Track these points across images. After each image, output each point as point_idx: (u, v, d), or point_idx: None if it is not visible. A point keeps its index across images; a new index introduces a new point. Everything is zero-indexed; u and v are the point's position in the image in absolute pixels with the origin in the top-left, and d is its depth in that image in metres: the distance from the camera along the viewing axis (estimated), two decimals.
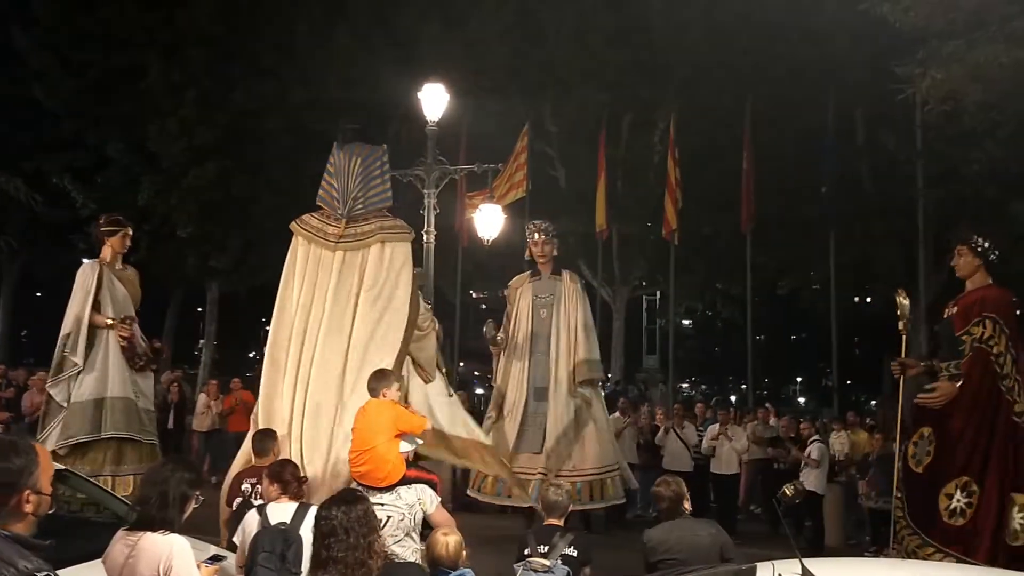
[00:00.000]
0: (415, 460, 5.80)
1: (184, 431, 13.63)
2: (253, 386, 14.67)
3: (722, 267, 21.36)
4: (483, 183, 13.96)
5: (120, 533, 3.57)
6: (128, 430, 7.95)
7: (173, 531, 3.49)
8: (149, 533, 3.46)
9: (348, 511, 3.59)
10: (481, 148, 16.01)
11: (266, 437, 5.95)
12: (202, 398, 13.90)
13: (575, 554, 4.88)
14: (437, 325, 7.74)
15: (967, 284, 6.39)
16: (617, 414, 11.90)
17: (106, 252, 8.28)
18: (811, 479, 10.44)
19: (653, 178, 19.21)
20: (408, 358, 6.94)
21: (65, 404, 7.85)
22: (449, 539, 4.10)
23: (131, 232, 8.57)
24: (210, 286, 21.66)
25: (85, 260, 8.52)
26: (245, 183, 18.72)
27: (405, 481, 5.22)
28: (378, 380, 5.68)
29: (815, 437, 11.25)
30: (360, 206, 6.90)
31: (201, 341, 25.25)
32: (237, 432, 12.64)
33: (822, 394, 30.65)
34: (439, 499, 5.35)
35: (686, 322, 29.16)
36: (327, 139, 17.65)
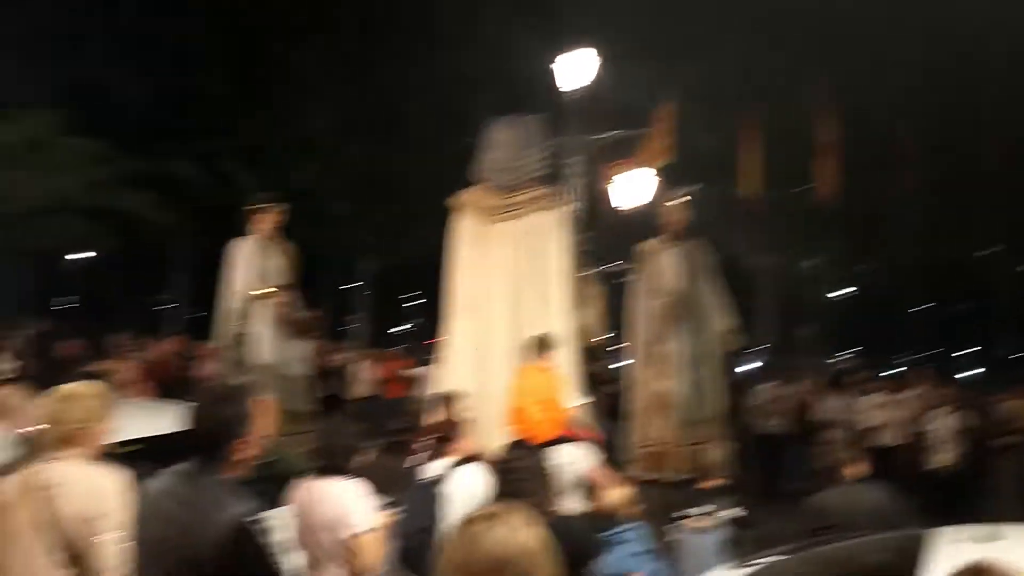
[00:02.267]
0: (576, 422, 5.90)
1: (343, 398, 14.25)
2: (408, 356, 15.34)
3: (881, 233, 20.32)
4: (625, 151, 13.79)
5: (301, 481, 3.80)
6: (283, 396, 8.15)
7: (346, 477, 3.70)
8: (327, 479, 3.69)
9: (525, 461, 3.68)
10: (624, 115, 15.79)
11: (438, 399, 6.19)
12: (359, 366, 14.47)
13: (735, 516, 4.80)
14: (599, 292, 7.78)
15: None
16: (770, 385, 11.56)
17: (260, 228, 8.64)
18: None
19: (805, 140, 18.42)
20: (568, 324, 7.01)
21: (237, 372, 8.28)
22: (616, 493, 4.10)
23: (283, 210, 8.87)
24: (365, 260, 22.45)
25: (237, 238, 8.92)
26: (394, 160, 19.28)
27: (562, 440, 5.30)
28: (536, 345, 5.83)
29: None
30: (515, 177, 7.02)
31: (353, 315, 26.34)
32: (393, 399, 13.20)
33: (992, 364, 28.66)
34: (599, 457, 5.39)
35: (840, 292, 27.84)
36: (472, 114, 17.99)
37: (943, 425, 10.87)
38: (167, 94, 19.98)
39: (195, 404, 2.59)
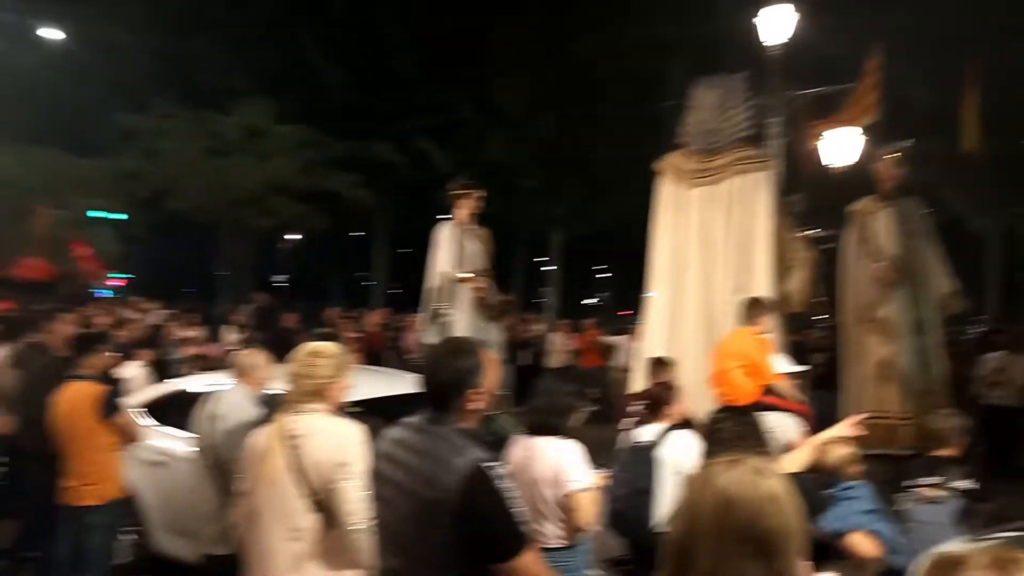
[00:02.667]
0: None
1: (540, 368, 14.54)
2: (601, 327, 15.44)
3: None
4: (831, 108, 13.03)
5: (518, 438, 3.90)
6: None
7: (563, 436, 3.77)
8: (544, 437, 3.77)
9: (734, 423, 3.62)
10: (829, 70, 14.93)
11: (652, 364, 6.19)
12: (555, 337, 14.70)
13: (970, 488, 4.47)
14: (811, 255, 7.46)
15: None
16: (997, 354, 10.64)
17: (459, 213, 8.91)
18: None
19: None
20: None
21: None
22: (837, 449, 3.92)
23: (481, 194, 9.10)
24: (554, 234, 22.67)
25: (441, 219, 9.25)
26: (585, 131, 19.26)
27: (762, 407, 5.15)
28: (748, 308, 5.71)
29: None
30: (717, 139, 6.88)
31: (543, 289, 26.73)
32: (589, 368, 13.32)
33: None
34: (802, 430, 5.21)
35: None
36: (667, 79, 17.65)
37: None
38: (366, 77, 20.91)
39: (431, 356, 2.70)
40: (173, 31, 23.80)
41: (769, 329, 6.00)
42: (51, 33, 25.45)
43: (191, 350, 12.70)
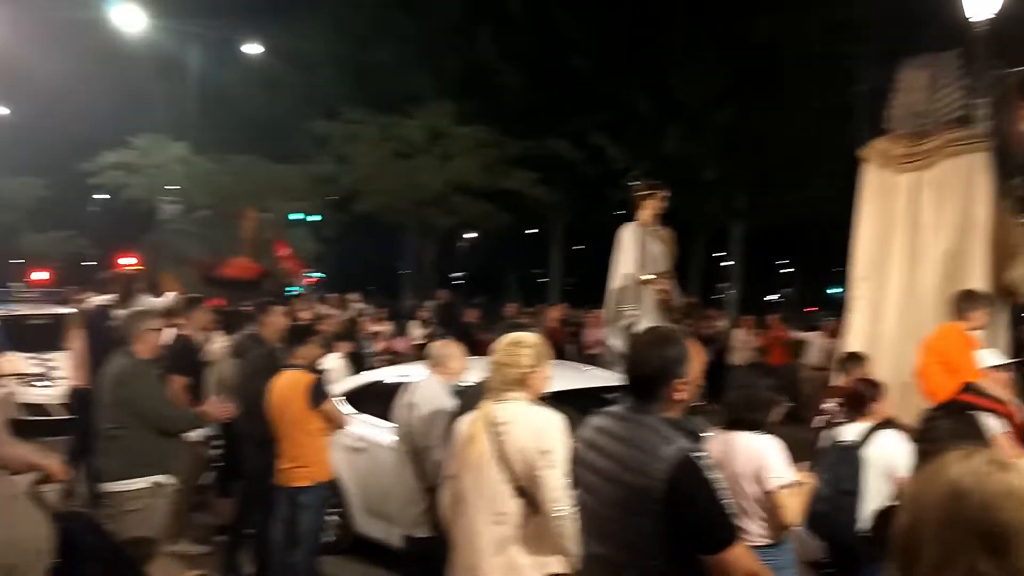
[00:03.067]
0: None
1: (723, 365, 14.18)
2: (787, 323, 14.89)
3: None
4: None
5: (715, 432, 3.84)
6: None
7: (762, 431, 3.67)
8: (742, 432, 3.68)
9: (955, 419, 3.41)
10: None
11: (850, 359, 5.93)
12: (739, 333, 14.30)
13: None
14: None
15: None
16: None
17: (643, 214, 8.81)
18: None
19: None
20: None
21: (621, 351, 8.59)
22: None
23: (665, 194, 8.96)
24: (734, 227, 22.09)
25: (622, 221, 9.16)
26: (765, 120, 18.64)
27: (960, 406, 4.77)
28: (961, 301, 5.34)
29: None
30: (927, 121, 6.47)
31: (723, 285, 26.06)
32: (776, 365, 12.87)
33: None
34: (1004, 430, 4.79)
35: None
36: (849, 63, 16.77)
37: None
38: (543, 75, 21.14)
39: (636, 345, 2.70)
40: (360, 42, 25.12)
41: (983, 323, 5.57)
42: (252, 49, 27.58)
43: (380, 344, 13.38)
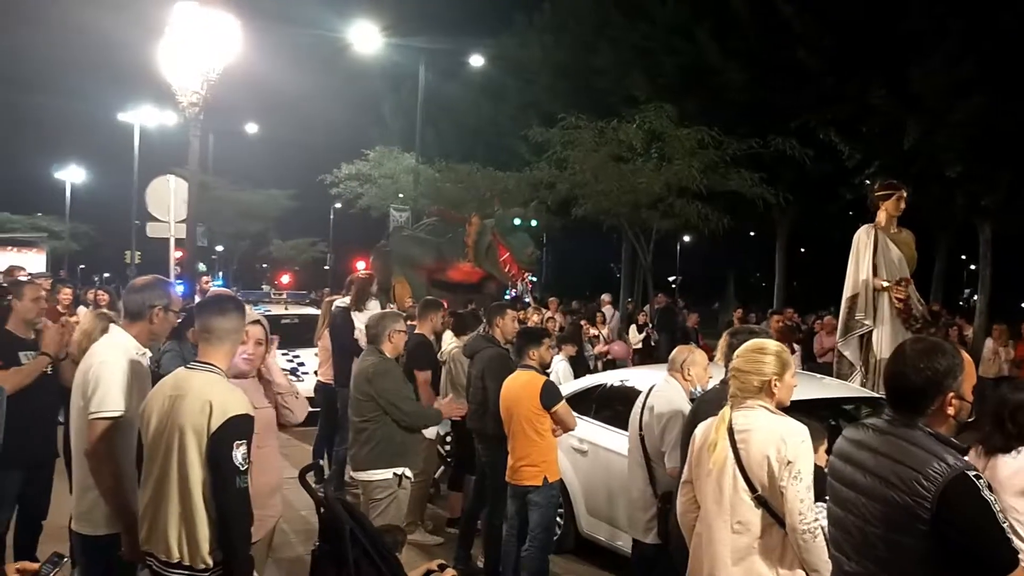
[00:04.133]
0: None
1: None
2: None
3: None
4: None
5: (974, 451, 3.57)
6: None
7: None
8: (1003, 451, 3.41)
9: None
10: None
11: None
12: (989, 343, 13.14)
13: None
14: None
15: None
16: None
17: (881, 216, 8.26)
18: None
19: None
20: None
21: (858, 363, 8.07)
22: None
23: (905, 195, 8.38)
24: (982, 227, 20.23)
25: (850, 222, 8.65)
26: (1013, 113, 16.87)
27: None
28: None
29: None
30: None
31: (967, 290, 23.93)
32: None
33: None
34: None
35: None
36: None
37: None
38: (767, 72, 20.38)
39: (901, 355, 2.54)
40: (578, 48, 25.42)
41: None
42: (475, 60, 28.72)
43: (599, 347, 13.47)
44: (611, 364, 13.12)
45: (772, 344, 3.40)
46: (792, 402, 3.52)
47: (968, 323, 16.56)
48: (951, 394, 2.43)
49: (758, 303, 25.22)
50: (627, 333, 16.43)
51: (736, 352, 3.41)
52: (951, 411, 2.44)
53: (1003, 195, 18.86)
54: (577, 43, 25.63)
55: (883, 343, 8.02)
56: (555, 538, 6.01)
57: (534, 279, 27.77)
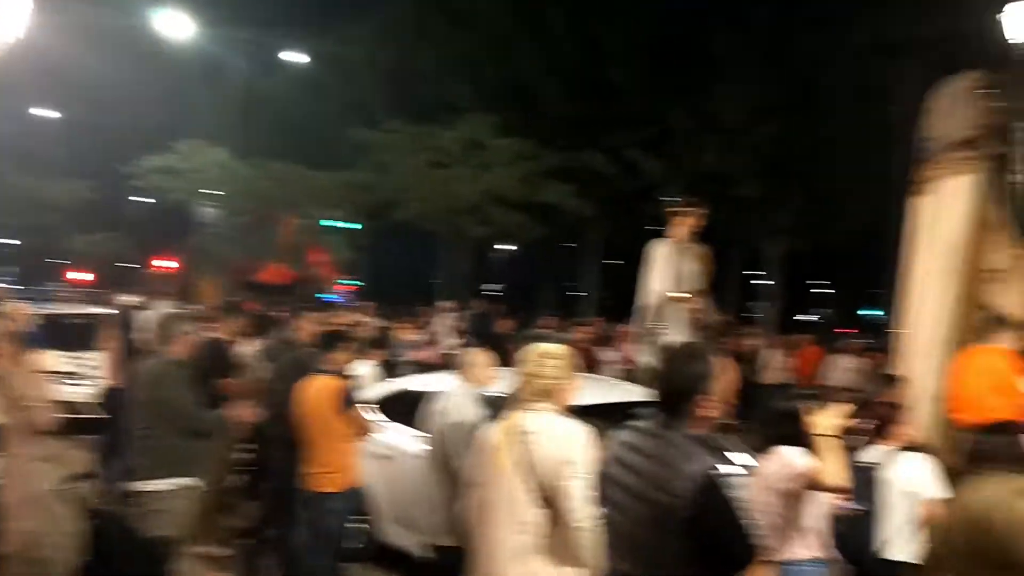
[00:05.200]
0: None
1: (755, 384, 14.04)
2: (820, 344, 14.69)
3: None
4: None
5: (749, 450, 3.82)
6: None
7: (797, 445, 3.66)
8: (778, 447, 3.68)
9: (1005, 441, 3.38)
10: None
11: (884, 380, 5.87)
12: (771, 353, 14.19)
13: None
14: None
15: None
16: None
17: (678, 230, 8.72)
18: None
19: None
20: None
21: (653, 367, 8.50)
22: None
23: (703, 211, 8.85)
24: (773, 245, 21.91)
25: (656, 235, 9.08)
26: (805, 139, 18.47)
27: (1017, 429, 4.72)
28: (986, 324, 5.28)
29: None
30: (936, 144, 6.43)
31: (758, 303, 25.81)
32: (807, 387, 12.70)
33: None
34: None
35: None
36: (894, 85, 16.58)
37: None
38: (583, 89, 21.17)
39: (665, 360, 2.68)
40: (401, 51, 25.33)
41: (1009, 348, 5.49)
42: (295, 56, 27.93)
43: (412, 353, 13.40)
44: (429, 369, 13.08)
45: (558, 349, 3.49)
46: (586, 406, 3.63)
47: (758, 334, 17.81)
48: (707, 396, 2.58)
49: (572, 313, 26.04)
50: (446, 339, 16.45)
51: (524, 356, 3.48)
52: (708, 413, 2.60)
53: (793, 215, 20.51)
54: (400, 46, 25.57)
55: None
56: (359, 546, 5.89)
57: (355, 283, 27.34)
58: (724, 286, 23.50)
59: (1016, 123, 9.63)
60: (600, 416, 4.57)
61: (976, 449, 3.52)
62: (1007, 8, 10.09)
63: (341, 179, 20.65)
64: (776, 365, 13.84)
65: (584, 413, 3.55)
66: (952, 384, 5.62)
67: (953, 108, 6.57)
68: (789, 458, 3.64)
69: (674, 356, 2.70)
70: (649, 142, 20.89)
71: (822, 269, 34.31)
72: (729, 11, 19.32)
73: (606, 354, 12.49)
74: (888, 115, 17.26)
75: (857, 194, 18.57)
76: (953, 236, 6.24)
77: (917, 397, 5.88)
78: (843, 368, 11.86)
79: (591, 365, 12.23)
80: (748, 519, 2.44)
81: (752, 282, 25.96)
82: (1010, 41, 10.39)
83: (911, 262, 6.62)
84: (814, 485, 3.54)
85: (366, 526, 6.42)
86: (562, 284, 38.25)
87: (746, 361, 13.66)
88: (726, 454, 2.68)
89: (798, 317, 32.75)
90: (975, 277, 6.21)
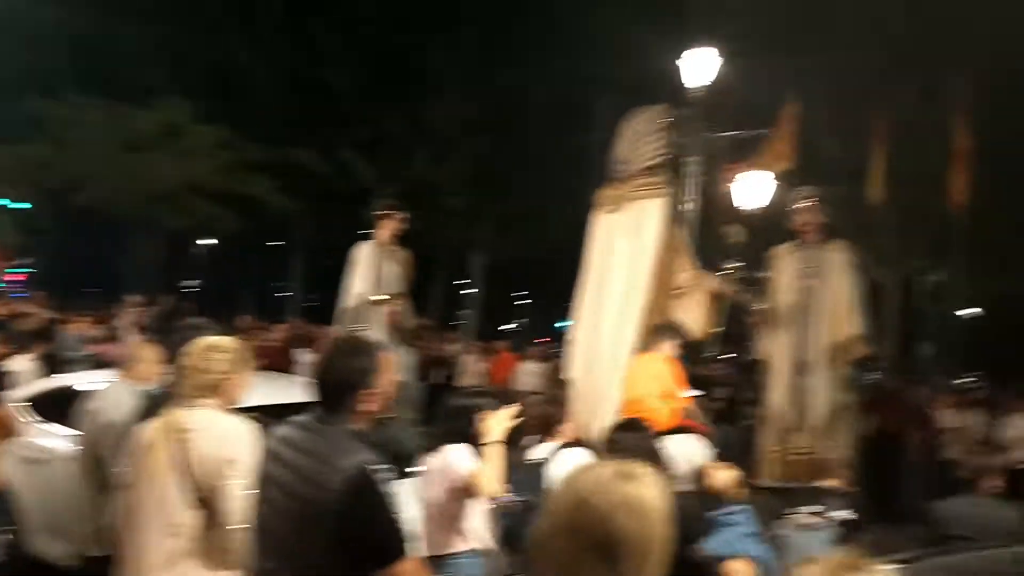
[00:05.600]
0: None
1: (452, 388, 14.50)
2: (518, 351, 15.53)
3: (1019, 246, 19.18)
4: (748, 152, 13.47)
5: (439, 448, 3.92)
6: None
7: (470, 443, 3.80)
8: (452, 446, 3.79)
9: (631, 439, 3.71)
10: (749, 115, 15.43)
11: (555, 384, 6.28)
12: (468, 358, 14.74)
13: (847, 517, 4.63)
14: (727, 285, 7.69)
15: None
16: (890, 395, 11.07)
17: (381, 234, 8.84)
18: None
19: (938, 146, 17.53)
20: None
21: None
22: (722, 473, 4.01)
23: (405, 216, 9.04)
24: (474, 256, 22.75)
25: (361, 237, 9.13)
26: (511, 156, 19.41)
27: (680, 430, 5.29)
28: (653, 334, 5.84)
29: None
30: (628, 167, 7.06)
31: (463, 310, 26.67)
32: (501, 389, 13.36)
33: None
34: (710, 452, 5.34)
35: (971, 311, 26.43)
36: (591, 113, 17.94)
37: None
38: (295, 84, 20.68)
39: (324, 354, 2.66)
40: (98, 20, 23.08)
41: (671, 356, 6.12)
42: None
43: (91, 348, 12.25)
44: (108, 366, 12.00)
45: (227, 342, 3.36)
46: (269, 405, 3.50)
47: (457, 340, 18.36)
48: (368, 391, 2.59)
49: (278, 312, 25.24)
50: (128, 335, 15.21)
51: (188, 349, 3.30)
52: (368, 407, 2.61)
53: (495, 227, 21.48)
54: (97, 13, 23.30)
55: None
56: (2, 560, 5.26)
57: (24, 270, 24.53)
58: (431, 293, 24.09)
59: (685, 157, 10.90)
60: (279, 416, 4.47)
61: (610, 443, 3.88)
62: (684, 55, 11.34)
63: (13, 153, 18.35)
64: (472, 370, 14.41)
65: (268, 412, 3.45)
66: (626, 387, 6.14)
67: (639, 137, 7.24)
68: (454, 457, 3.77)
69: (336, 349, 2.69)
70: (363, 145, 20.87)
71: (525, 281, 36.23)
72: (445, 28, 19.88)
73: (303, 355, 12.22)
74: (588, 139, 18.72)
75: (557, 211, 19.81)
76: (644, 256, 6.85)
77: (600, 399, 6.40)
78: (529, 373, 12.60)
79: (287, 366, 11.95)
80: (400, 514, 2.46)
81: (461, 292, 26.80)
82: (685, 84, 11.70)
83: (588, 274, 7.18)
84: (471, 487, 3.68)
85: (10, 536, 5.76)
86: (269, 283, 37.01)
87: (444, 365, 14.10)
88: (385, 448, 2.70)
89: (501, 327, 34.34)
90: (663, 293, 6.88)
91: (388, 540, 2.41)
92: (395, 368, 2.85)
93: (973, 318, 26.36)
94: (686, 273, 7.33)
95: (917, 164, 17.97)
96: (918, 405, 11.53)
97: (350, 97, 20.63)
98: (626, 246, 6.98)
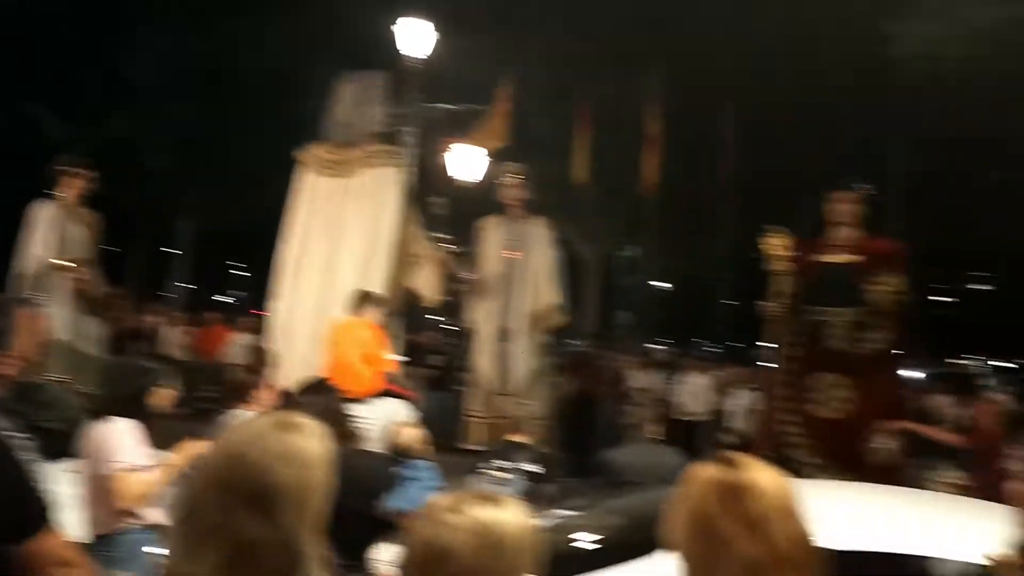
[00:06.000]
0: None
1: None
2: (230, 323, 14.86)
3: (701, 227, 21.49)
4: (462, 126, 13.78)
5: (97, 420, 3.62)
6: (67, 374, 7.16)
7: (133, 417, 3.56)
8: (111, 419, 3.53)
9: (321, 398, 3.71)
10: (463, 90, 15.78)
11: (256, 353, 6.12)
12: (172, 330, 14.00)
13: (537, 470, 4.96)
14: (441, 256, 7.86)
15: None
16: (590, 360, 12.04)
17: (65, 192, 8.08)
18: None
19: (635, 131, 19.11)
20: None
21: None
22: (409, 431, 4.14)
23: (92, 175, 8.30)
24: (181, 222, 21.47)
25: (42, 197, 8.23)
26: (222, 120, 18.43)
27: (382, 395, 5.37)
28: (358, 300, 5.90)
29: None
30: (353, 132, 7.05)
31: (171, 278, 25.07)
32: (209, 363, 12.82)
33: None
34: (414, 416, 5.48)
35: (663, 284, 29.27)
36: (312, 76, 17.44)
37: (739, 402, 11.96)
38: None
39: None
40: None
41: (376, 322, 6.20)
42: None
43: None
44: None
45: None
46: None
47: (160, 311, 17.16)
48: (3, 353, 2.37)
49: None
50: None
51: None
52: (4, 371, 2.39)
53: (202, 193, 20.30)
54: None
55: (61, 323, 7.74)
56: None
57: None
58: (130, 259, 22.30)
59: (403, 127, 10.95)
60: None
61: (295, 405, 3.85)
62: (399, 21, 11.26)
63: None
64: (175, 342, 13.67)
65: None
66: (329, 352, 6.12)
67: (361, 102, 7.19)
68: (110, 432, 3.50)
69: None
70: (55, 97, 18.83)
71: (243, 251, 34.78)
72: None
73: None
74: (305, 107, 18.17)
75: (275, 180, 19.06)
76: (383, 223, 6.82)
77: (301, 365, 6.31)
78: (240, 345, 12.17)
79: None
80: (39, 484, 2.25)
81: (166, 260, 25.10)
82: (400, 52, 11.69)
83: (293, 237, 7.04)
84: (117, 488, 3.43)
85: None
86: None
87: (144, 337, 13.17)
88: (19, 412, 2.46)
89: (217, 297, 32.68)
90: (403, 260, 6.90)
91: (22, 511, 2.19)
92: (44, 329, 2.61)
93: (663, 291, 29.16)
94: (420, 242, 7.47)
95: (617, 148, 19.50)
96: (612, 368, 12.66)
97: (38, 43, 18.51)
98: (361, 212, 6.96)
